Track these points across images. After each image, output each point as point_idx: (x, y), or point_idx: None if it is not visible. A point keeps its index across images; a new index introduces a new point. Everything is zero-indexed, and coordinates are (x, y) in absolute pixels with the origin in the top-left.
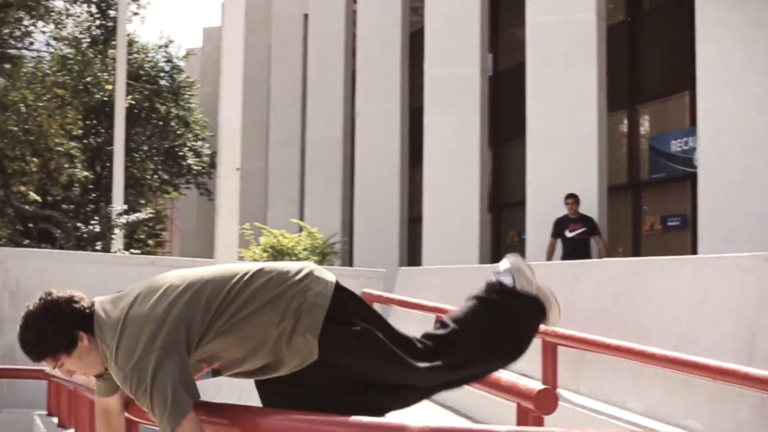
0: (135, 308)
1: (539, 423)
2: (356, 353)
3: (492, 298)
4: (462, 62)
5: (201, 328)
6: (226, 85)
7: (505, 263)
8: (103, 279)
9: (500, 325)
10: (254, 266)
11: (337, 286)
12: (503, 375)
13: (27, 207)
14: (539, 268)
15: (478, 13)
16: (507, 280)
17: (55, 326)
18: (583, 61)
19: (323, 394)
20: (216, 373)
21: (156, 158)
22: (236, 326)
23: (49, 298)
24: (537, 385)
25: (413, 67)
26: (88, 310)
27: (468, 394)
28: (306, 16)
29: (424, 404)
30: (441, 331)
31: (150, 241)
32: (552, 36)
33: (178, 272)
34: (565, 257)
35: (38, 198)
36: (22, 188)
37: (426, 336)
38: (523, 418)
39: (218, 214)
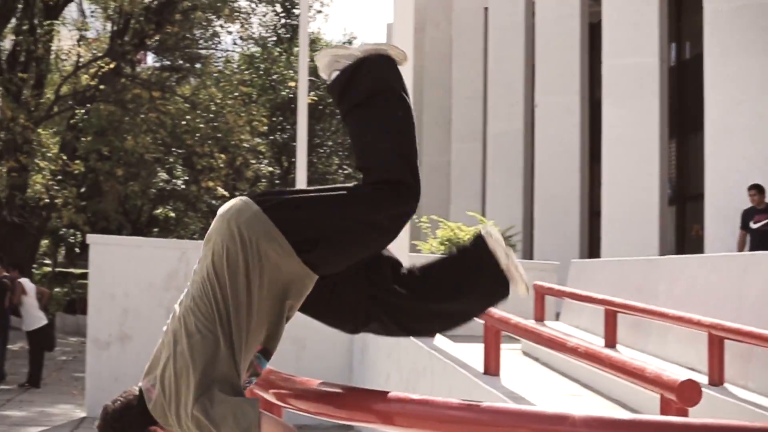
0: (162, 378)
1: (683, 415)
2: (344, 259)
3: (351, 105)
4: (641, 52)
5: (231, 358)
6: None
7: (320, 71)
8: None
9: (381, 111)
10: (206, 266)
11: (265, 212)
12: (648, 366)
13: (214, 202)
14: (707, 261)
15: (656, 2)
16: (336, 74)
17: None
18: (766, 48)
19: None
20: (267, 354)
21: (340, 153)
22: (249, 331)
23: (108, 416)
24: (680, 377)
25: (593, 58)
26: (142, 406)
27: (630, 389)
28: (486, 9)
29: (588, 395)
30: (372, 174)
31: None
32: (731, 23)
33: (172, 316)
34: (752, 249)
35: (226, 193)
36: (211, 184)
37: (369, 184)
38: (666, 409)
39: None
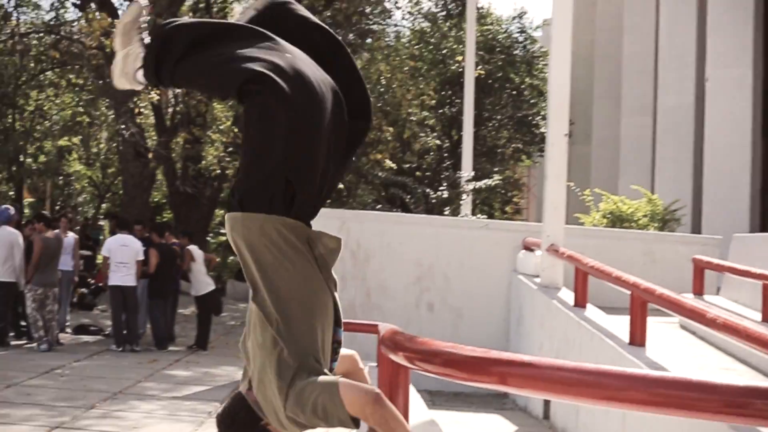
0: (256, 388)
1: None
2: (319, 159)
3: (170, 70)
4: None
5: (295, 351)
6: (554, 52)
7: (130, 85)
8: (438, 241)
9: (192, 56)
10: (249, 285)
11: (245, 211)
12: None
13: (380, 174)
14: None
15: None
16: (141, 72)
17: None
18: None
19: None
20: (338, 322)
21: (509, 127)
22: (311, 315)
23: (221, 423)
24: None
25: (767, 31)
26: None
27: None
28: None
29: (743, 370)
30: (238, 93)
31: (507, 208)
32: None
33: (245, 333)
34: None
35: (393, 165)
36: (379, 156)
37: (248, 104)
38: None
39: (546, 179)
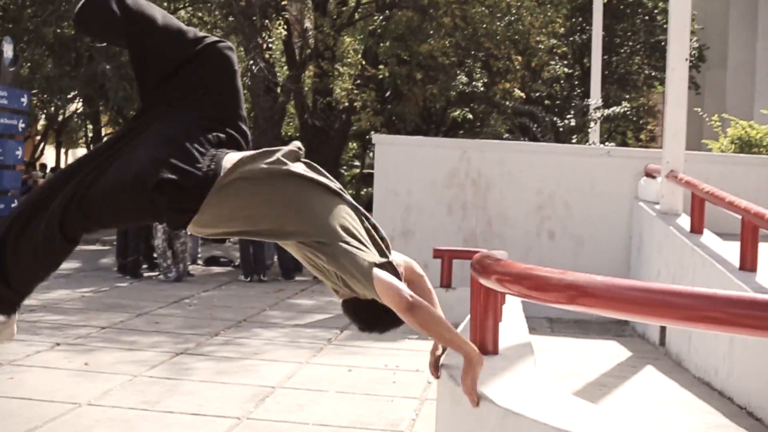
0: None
1: None
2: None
3: None
4: None
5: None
6: None
7: None
8: (559, 169)
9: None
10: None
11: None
12: None
13: (508, 103)
14: None
15: None
16: None
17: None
18: None
19: None
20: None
21: (641, 53)
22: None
23: (368, 329)
24: None
25: None
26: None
27: None
28: None
29: None
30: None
31: (641, 136)
32: None
33: None
34: None
35: (522, 94)
36: (507, 85)
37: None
38: None
39: (666, 104)
